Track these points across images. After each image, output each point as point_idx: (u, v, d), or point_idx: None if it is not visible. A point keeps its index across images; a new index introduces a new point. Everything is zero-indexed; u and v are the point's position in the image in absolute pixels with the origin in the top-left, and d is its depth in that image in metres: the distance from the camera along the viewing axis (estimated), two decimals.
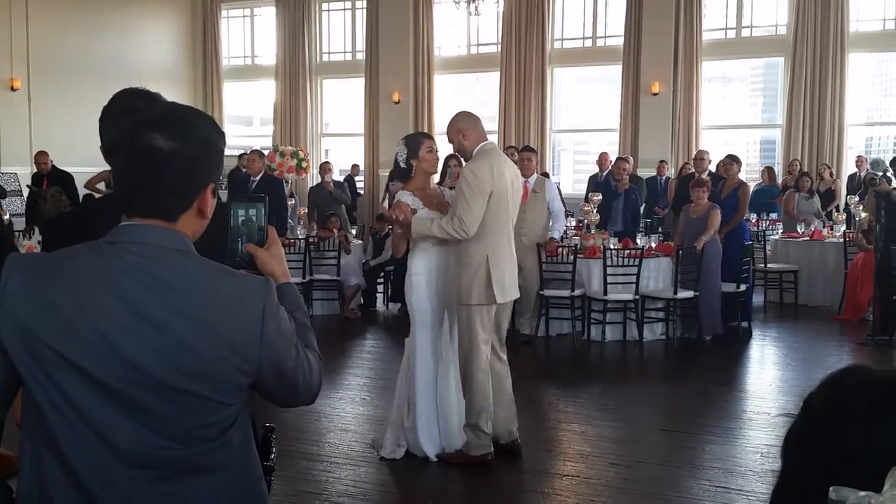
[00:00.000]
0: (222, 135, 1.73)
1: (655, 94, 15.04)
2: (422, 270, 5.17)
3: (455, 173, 6.03)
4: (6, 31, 14.98)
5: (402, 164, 5.13)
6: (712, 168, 10.87)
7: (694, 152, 12.75)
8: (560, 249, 8.64)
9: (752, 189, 11.29)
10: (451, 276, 5.12)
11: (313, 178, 15.76)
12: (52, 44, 15.50)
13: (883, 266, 8.53)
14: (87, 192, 10.79)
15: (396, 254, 5.22)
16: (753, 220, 11.91)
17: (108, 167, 1.87)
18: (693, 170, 11.15)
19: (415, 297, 5.19)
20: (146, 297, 1.56)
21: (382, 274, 10.72)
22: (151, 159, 1.60)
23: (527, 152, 9.03)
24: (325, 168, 12.70)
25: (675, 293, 8.56)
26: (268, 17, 18.79)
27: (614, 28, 15.96)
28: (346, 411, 6.43)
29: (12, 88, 15.12)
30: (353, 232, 10.89)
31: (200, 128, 1.67)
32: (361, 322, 10.08)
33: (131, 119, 1.67)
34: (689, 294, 8.56)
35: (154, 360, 1.55)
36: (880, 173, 9.80)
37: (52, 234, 2.41)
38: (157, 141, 1.60)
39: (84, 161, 12.86)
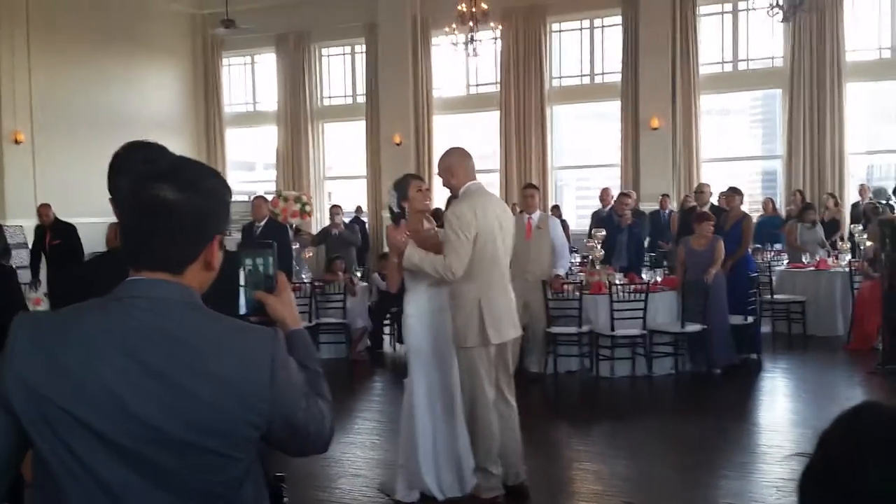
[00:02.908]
0: (228, 188, 1.74)
1: (655, 129, 15.12)
2: (416, 312, 5.16)
3: None
4: (9, 85, 15.13)
5: (396, 209, 5.18)
6: (714, 200, 10.89)
7: (695, 185, 12.79)
8: (565, 286, 8.63)
9: (754, 220, 11.30)
10: (449, 319, 5.08)
11: (318, 221, 15.81)
12: (55, 96, 15.66)
13: (890, 295, 8.49)
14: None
15: (391, 288, 5.20)
16: (758, 252, 11.88)
17: (115, 220, 1.87)
18: (694, 202, 11.17)
19: (411, 339, 5.19)
20: (154, 353, 1.55)
21: (389, 315, 10.69)
22: (159, 211, 1.60)
23: (529, 189, 9.06)
24: (334, 211, 12.82)
25: (683, 327, 8.53)
26: (268, 64, 18.98)
27: (612, 65, 16.11)
28: (356, 456, 6.37)
29: (16, 141, 15.23)
30: (359, 274, 10.89)
31: (207, 180, 1.68)
32: (369, 364, 10.04)
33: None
34: (697, 327, 8.52)
35: (164, 417, 1.53)
36: (883, 202, 9.80)
37: (60, 289, 2.41)
38: (165, 193, 1.60)
39: (87, 212, 12.93)
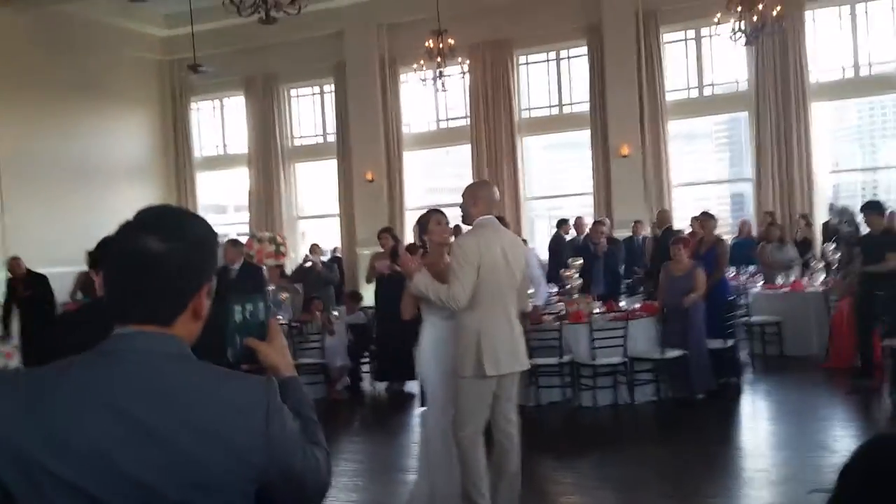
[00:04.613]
0: (215, 233, 1.68)
1: (625, 156, 15.22)
2: (429, 345, 5.21)
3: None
4: None
5: (419, 243, 5.38)
6: (682, 225, 10.99)
7: (668, 210, 12.88)
8: (544, 317, 8.61)
9: (729, 243, 11.36)
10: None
11: (293, 262, 15.73)
12: (23, 148, 15.46)
13: (862, 309, 8.66)
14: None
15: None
16: (733, 275, 11.94)
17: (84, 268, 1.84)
18: (663, 227, 11.22)
19: (424, 370, 5.27)
20: (144, 408, 1.49)
21: (367, 353, 10.62)
22: (145, 263, 1.55)
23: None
24: (313, 250, 12.93)
25: (663, 353, 8.52)
26: (237, 107, 18.97)
27: (579, 94, 16.25)
28: (339, 499, 6.27)
29: None
30: (336, 313, 10.82)
31: (194, 227, 1.63)
32: (349, 404, 9.94)
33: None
34: (677, 353, 8.52)
35: (156, 475, 1.48)
36: (845, 220, 9.95)
37: (37, 346, 2.37)
38: (151, 243, 1.55)
39: (58, 261, 12.82)
